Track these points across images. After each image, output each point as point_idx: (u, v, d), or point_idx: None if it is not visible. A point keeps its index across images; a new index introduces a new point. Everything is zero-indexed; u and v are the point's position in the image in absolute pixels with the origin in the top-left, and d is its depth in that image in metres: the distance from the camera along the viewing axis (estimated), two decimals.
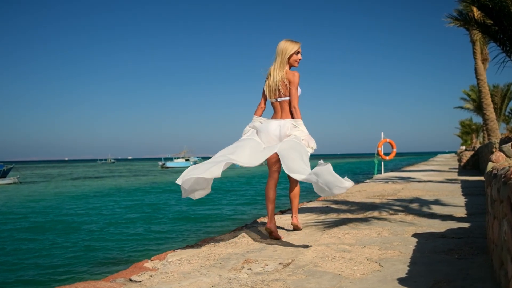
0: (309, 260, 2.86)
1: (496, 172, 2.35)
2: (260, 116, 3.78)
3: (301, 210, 5.29)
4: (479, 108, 23.46)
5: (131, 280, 2.56)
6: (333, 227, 4.12)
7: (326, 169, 2.87)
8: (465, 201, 6.13)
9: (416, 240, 3.39)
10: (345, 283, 2.35)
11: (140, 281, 2.51)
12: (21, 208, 16.58)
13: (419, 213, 4.93)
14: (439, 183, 9.75)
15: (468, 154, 17.99)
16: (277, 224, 4.16)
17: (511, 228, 1.75)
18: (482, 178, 10.39)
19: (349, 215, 4.91)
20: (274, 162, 3.64)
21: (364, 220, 4.51)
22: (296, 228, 3.93)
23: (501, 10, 6.44)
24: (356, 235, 3.66)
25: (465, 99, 30.67)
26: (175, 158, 74.59)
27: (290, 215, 4.29)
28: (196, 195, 3.41)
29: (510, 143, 3.04)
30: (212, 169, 3.10)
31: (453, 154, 64.56)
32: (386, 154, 15.86)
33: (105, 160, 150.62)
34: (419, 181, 10.64)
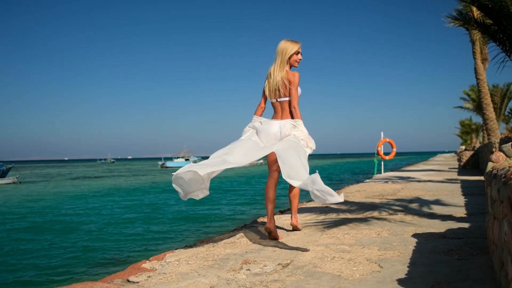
0: (308, 261, 2.84)
1: (496, 172, 2.33)
2: (260, 116, 3.76)
3: (301, 210, 5.27)
4: (478, 108, 23.47)
5: (128, 281, 2.54)
6: (332, 227, 4.10)
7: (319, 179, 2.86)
8: (465, 201, 6.11)
9: (415, 240, 3.37)
10: (344, 284, 2.33)
11: (137, 282, 2.49)
12: (19, 208, 16.55)
13: (419, 213, 4.91)
14: (439, 183, 9.74)
15: (468, 153, 17.99)
16: (277, 224, 4.14)
17: (511, 229, 1.73)
18: (482, 178, 10.38)
19: (349, 215, 4.89)
20: (274, 161, 3.62)
21: (364, 220, 4.49)
22: (295, 228, 3.92)
23: (500, 10, 6.42)
24: (356, 235, 3.65)
25: (464, 98, 30.68)
26: (174, 157, 74.59)
27: (290, 215, 4.28)
28: (200, 195, 3.41)
29: (510, 143, 3.02)
30: (196, 167, 3.10)
31: (453, 154, 64.59)
32: (386, 153, 15.85)
33: (105, 159, 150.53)
34: (419, 181, 10.62)
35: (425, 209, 5.26)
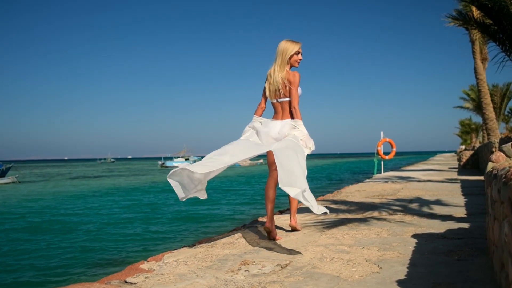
0: (307, 262, 2.82)
1: (496, 172, 2.31)
2: (260, 116, 3.75)
3: (300, 210, 5.25)
4: (478, 108, 23.46)
5: (126, 282, 2.52)
6: (331, 227, 4.08)
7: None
8: (465, 201, 6.09)
9: (415, 240, 3.35)
10: (344, 285, 2.31)
11: (135, 283, 2.47)
12: (18, 208, 16.52)
13: (418, 213, 4.89)
14: (438, 183, 9.72)
15: (468, 153, 17.99)
16: (276, 224, 4.12)
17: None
18: (482, 177, 10.37)
19: (348, 215, 4.88)
20: (274, 161, 3.60)
21: (363, 220, 4.47)
22: (294, 230, 3.90)
23: (500, 9, 6.41)
24: (355, 236, 3.63)
25: (464, 98, 30.66)
26: (174, 157, 74.57)
27: (289, 215, 4.26)
28: (199, 196, 3.40)
29: (510, 143, 3.00)
30: (189, 166, 3.12)
31: (453, 154, 64.62)
32: (386, 153, 15.84)
33: (105, 159, 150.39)
34: (419, 181, 10.61)
35: (425, 209, 5.24)
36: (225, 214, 12.94)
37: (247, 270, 2.67)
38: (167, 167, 65.16)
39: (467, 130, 49.88)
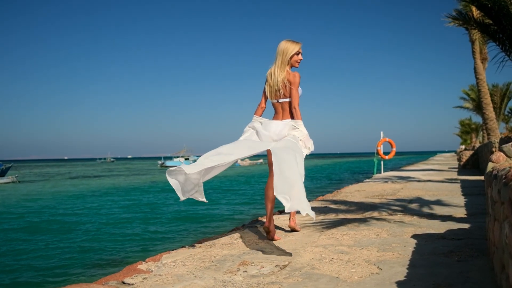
0: (306, 262, 2.81)
1: (496, 172, 2.29)
2: (260, 116, 3.74)
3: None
4: (478, 108, 23.44)
5: (123, 282, 2.50)
6: (331, 227, 4.07)
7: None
8: (465, 201, 6.08)
9: (415, 241, 3.33)
10: (343, 286, 2.29)
11: (132, 284, 2.45)
12: (18, 208, 16.49)
13: (418, 214, 4.87)
14: (438, 183, 9.70)
15: (468, 153, 17.97)
16: (275, 224, 4.10)
17: None
18: (482, 177, 10.35)
19: (348, 216, 4.86)
20: None
21: (363, 220, 4.46)
22: (293, 230, 3.89)
23: (500, 9, 6.39)
24: (355, 236, 3.61)
25: (464, 98, 30.63)
26: (174, 157, 74.59)
27: (289, 216, 4.25)
28: (199, 197, 3.38)
29: (510, 143, 2.98)
30: (184, 166, 3.13)
31: (453, 154, 64.62)
32: (386, 153, 15.83)
33: (105, 159, 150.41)
34: (419, 181, 10.59)
35: (425, 209, 5.23)
36: (225, 214, 12.92)
37: (245, 271, 2.65)
38: (167, 166, 65.13)
39: (467, 130, 49.87)
